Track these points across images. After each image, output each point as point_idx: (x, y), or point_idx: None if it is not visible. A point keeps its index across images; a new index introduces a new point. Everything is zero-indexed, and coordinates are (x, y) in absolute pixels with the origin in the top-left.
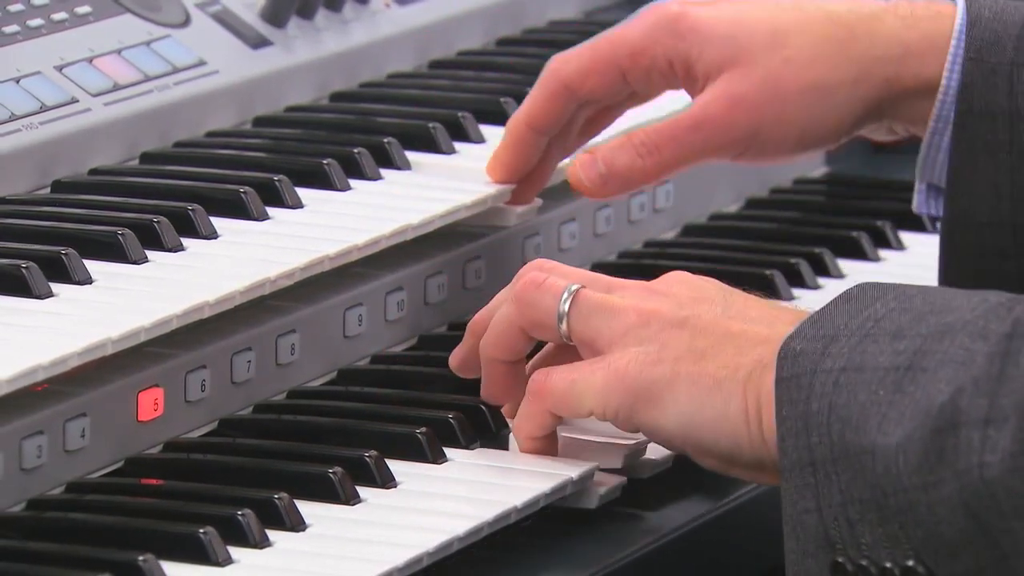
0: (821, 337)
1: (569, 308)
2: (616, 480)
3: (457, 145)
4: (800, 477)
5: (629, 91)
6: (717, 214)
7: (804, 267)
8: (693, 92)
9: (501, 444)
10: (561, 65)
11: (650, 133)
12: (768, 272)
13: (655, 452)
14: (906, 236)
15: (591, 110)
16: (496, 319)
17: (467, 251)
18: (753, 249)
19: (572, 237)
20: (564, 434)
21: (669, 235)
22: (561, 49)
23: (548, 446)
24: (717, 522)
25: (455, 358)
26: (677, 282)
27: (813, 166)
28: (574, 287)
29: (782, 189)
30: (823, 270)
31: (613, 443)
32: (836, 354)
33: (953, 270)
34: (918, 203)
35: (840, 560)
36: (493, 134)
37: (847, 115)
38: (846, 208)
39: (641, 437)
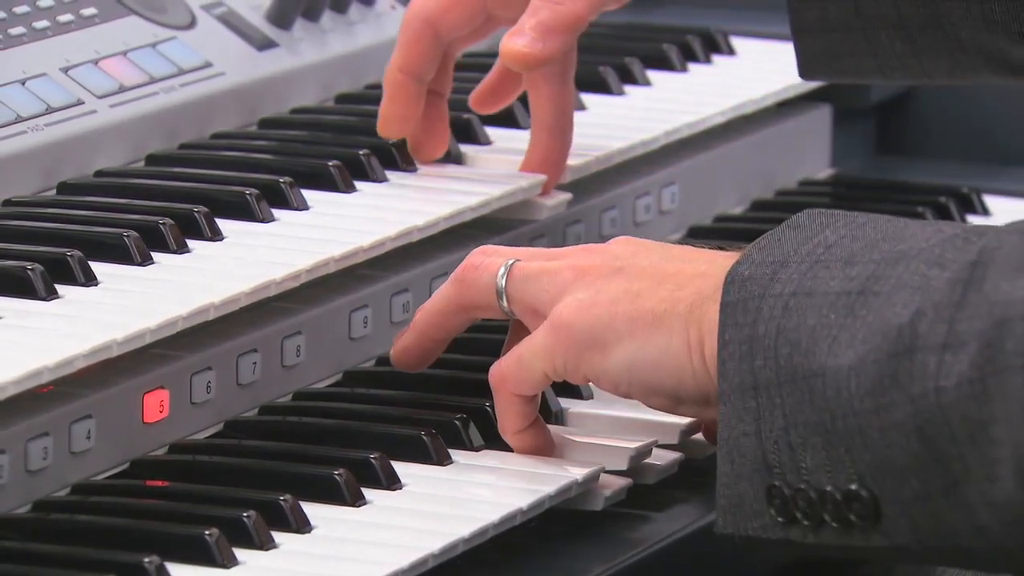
0: (770, 263)
1: (506, 282)
2: (622, 482)
3: (463, 147)
4: (740, 400)
5: (486, 15)
6: (722, 216)
7: None
8: None
9: (506, 446)
10: (421, 5)
11: None
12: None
13: (660, 457)
14: None
15: (458, 46)
16: (435, 301)
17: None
18: None
19: (578, 239)
20: (569, 436)
21: (674, 237)
22: None
23: (537, 438)
24: None
25: (397, 349)
26: (618, 241)
27: (819, 168)
28: (510, 262)
29: (787, 191)
30: None
31: (618, 445)
32: (786, 279)
33: (804, 42)
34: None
35: (777, 484)
36: (499, 136)
37: None
38: (851, 210)
39: (647, 439)
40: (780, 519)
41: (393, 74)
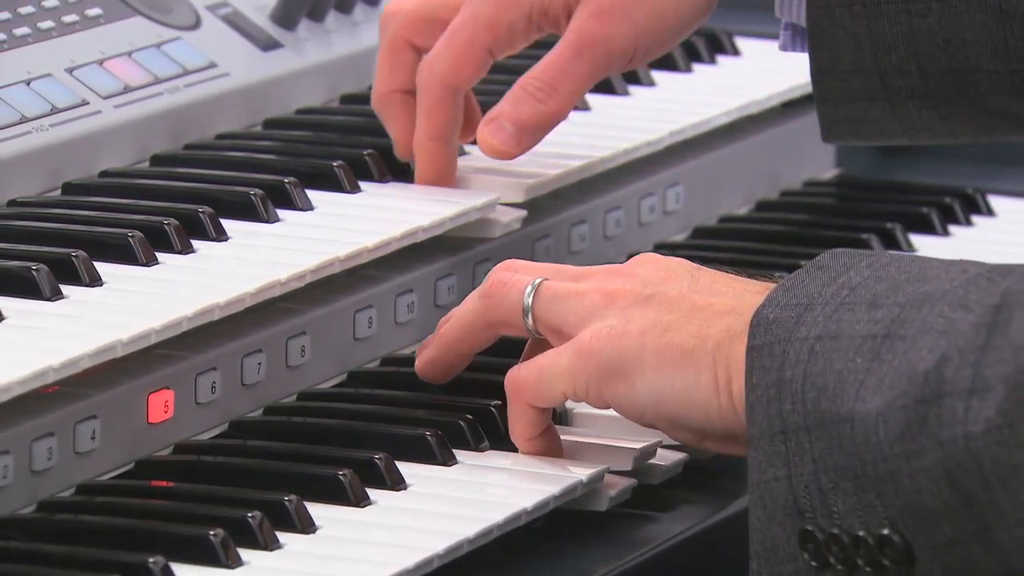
0: (795, 305)
1: (533, 301)
2: (626, 482)
3: (467, 147)
4: (770, 445)
5: (492, 59)
6: (727, 216)
7: None
8: (560, 31)
9: (511, 446)
10: (432, 68)
11: (541, 75)
12: (778, 275)
13: (665, 458)
14: (916, 238)
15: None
16: (461, 313)
17: (477, 253)
18: (763, 251)
19: (582, 239)
20: (574, 437)
21: (679, 237)
22: None
23: (547, 444)
24: (727, 524)
25: (422, 361)
26: (644, 263)
27: (823, 169)
28: (537, 281)
29: (792, 191)
30: None
31: (623, 446)
32: (811, 322)
33: (827, 111)
34: (783, 43)
35: (809, 528)
36: None
37: None
38: (856, 210)
39: (651, 439)
40: (814, 563)
41: (425, 140)
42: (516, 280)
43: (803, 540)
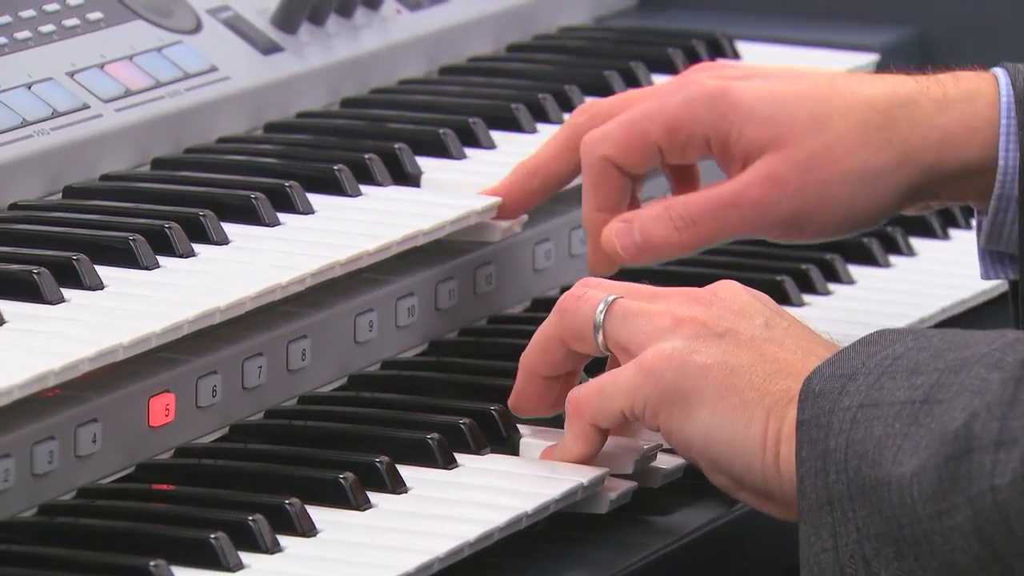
0: (839, 376)
1: (604, 317)
2: (627, 485)
3: (468, 151)
4: (818, 517)
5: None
6: None
7: (815, 272)
8: (728, 168)
9: (512, 449)
10: (598, 145)
11: (688, 206)
12: (779, 278)
13: (665, 462)
14: (916, 242)
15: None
16: (538, 332)
17: (478, 257)
18: (765, 255)
19: (583, 243)
20: None
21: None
22: (570, 54)
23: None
24: (727, 528)
25: (512, 398)
26: (724, 292)
27: None
28: (611, 298)
29: None
30: (834, 276)
31: (624, 449)
32: (854, 392)
33: None
34: (983, 271)
35: None
36: (504, 140)
37: (889, 200)
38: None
39: (651, 442)
40: None
41: (591, 216)
42: (590, 295)
43: None
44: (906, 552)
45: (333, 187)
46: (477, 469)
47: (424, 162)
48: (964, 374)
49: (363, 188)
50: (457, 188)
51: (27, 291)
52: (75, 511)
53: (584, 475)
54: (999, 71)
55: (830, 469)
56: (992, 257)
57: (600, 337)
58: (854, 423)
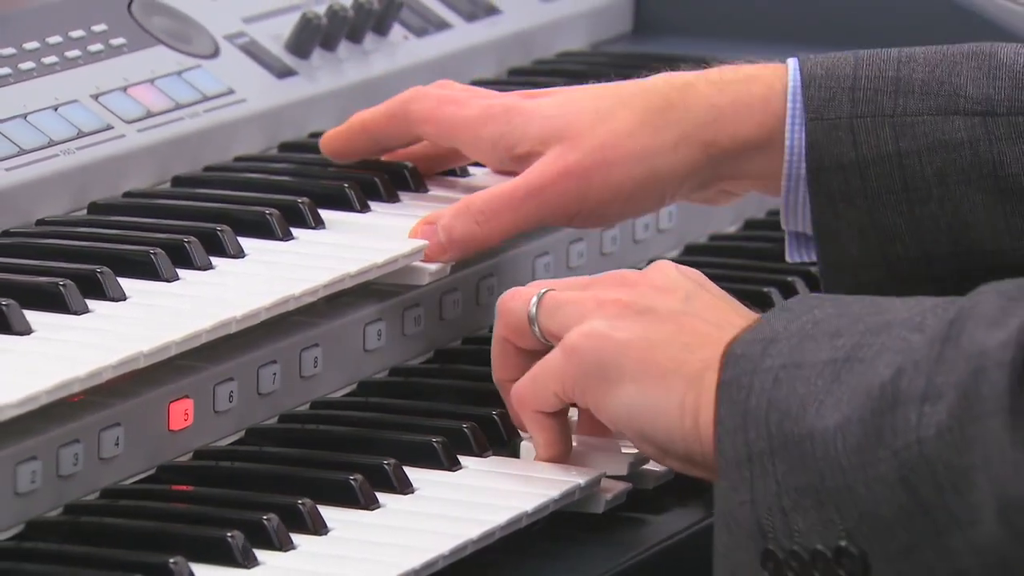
0: (761, 340)
1: (537, 310)
2: (622, 486)
3: (472, 169)
4: (737, 472)
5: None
6: (717, 234)
7: (800, 285)
8: (519, 168)
9: (513, 452)
10: (413, 99)
11: (488, 200)
12: (765, 289)
13: (658, 465)
14: None
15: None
16: (493, 342)
17: (481, 269)
18: (751, 268)
19: (580, 256)
20: (572, 443)
21: (672, 254)
22: (568, 78)
23: (567, 451)
24: None
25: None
26: (652, 272)
27: None
28: (543, 291)
29: (778, 211)
30: (817, 288)
31: (619, 452)
32: (775, 354)
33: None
34: (789, 253)
35: (771, 548)
36: None
37: (669, 178)
38: None
39: None
40: None
41: (356, 122)
42: (523, 292)
43: (764, 560)
44: (826, 503)
45: (343, 203)
46: (480, 471)
47: (431, 180)
48: (885, 335)
49: (372, 204)
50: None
51: (53, 302)
52: (99, 511)
53: (581, 477)
54: (792, 60)
55: (750, 427)
56: (796, 239)
57: (537, 329)
58: (776, 382)
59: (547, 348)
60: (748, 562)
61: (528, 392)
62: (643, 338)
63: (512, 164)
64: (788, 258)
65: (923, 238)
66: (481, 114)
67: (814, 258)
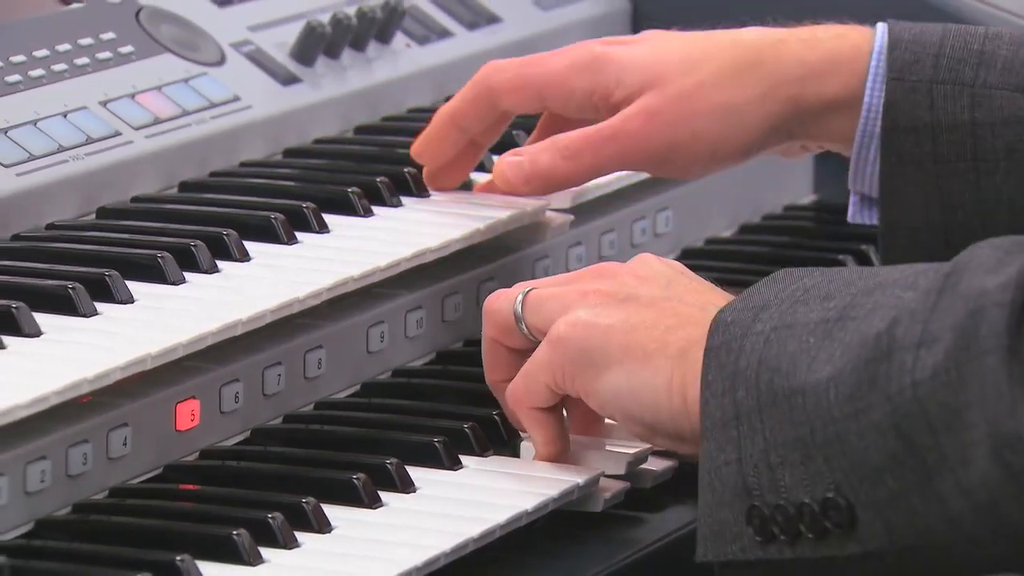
0: (751, 308)
1: (522, 308)
2: (620, 485)
3: (472, 175)
4: (723, 432)
5: (544, 107)
6: (713, 239)
7: None
8: (612, 116)
9: (513, 452)
10: (493, 72)
11: (573, 138)
12: None
13: (656, 464)
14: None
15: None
16: (483, 345)
17: (482, 272)
18: (746, 271)
19: (579, 260)
20: (571, 443)
21: (669, 257)
22: None
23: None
24: None
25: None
26: (634, 263)
27: (802, 194)
28: (527, 289)
29: (773, 216)
30: None
31: (617, 451)
32: (766, 319)
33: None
34: (852, 213)
35: (756, 504)
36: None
37: (754, 131)
38: (833, 233)
39: (643, 445)
40: (758, 538)
41: (443, 116)
42: (508, 293)
43: (749, 517)
44: (815, 455)
45: (347, 208)
46: (480, 470)
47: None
48: (879, 294)
49: (375, 209)
50: (464, 207)
51: (63, 305)
52: (107, 509)
53: (580, 476)
54: (881, 24)
55: (739, 387)
56: (861, 201)
57: (523, 327)
58: (767, 343)
59: (535, 345)
60: (732, 520)
61: (521, 389)
62: (626, 322)
63: (608, 113)
64: (850, 219)
65: (984, 209)
66: (569, 65)
67: (875, 221)
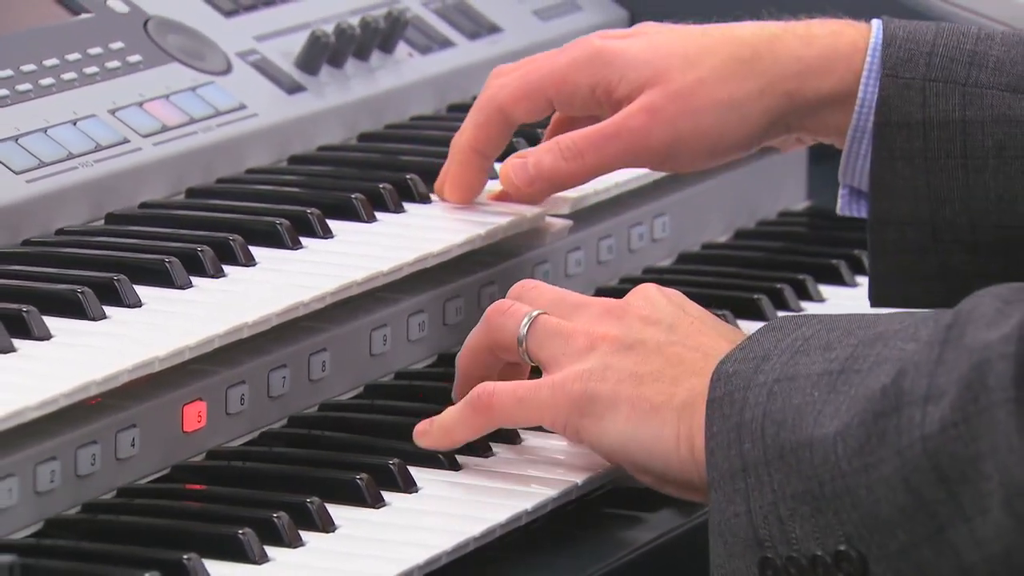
0: (752, 358)
1: (527, 333)
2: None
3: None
4: (730, 484)
5: (551, 108)
6: (709, 244)
7: (788, 292)
8: (615, 112)
9: (513, 452)
10: (497, 91)
11: (575, 138)
12: (755, 296)
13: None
14: None
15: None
16: (469, 339)
17: (482, 277)
18: (742, 276)
19: (578, 264)
20: (569, 443)
21: (666, 262)
22: None
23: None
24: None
25: (454, 394)
26: (636, 299)
27: (796, 200)
28: (535, 313)
29: (768, 221)
30: (806, 295)
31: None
32: (768, 370)
33: (879, 264)
34: (841, 206)
35: (769, 556)
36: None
37: (754, 126)
38: (826, 238)
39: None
40: None
41: (463, 149)
42: (515, 309)
43: (763, 568)
44: (824, 508)
45: (351, 214)
46: (481, 471)
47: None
48: (880, 346)
49: (378, 215)
50: (465, 213)
51: (72, 309)
52: (115, 509)
53: (579, 476)
54: (876, 20)
55: (744, 439)
56: (851, 194)
57: (524, 352)
58: (771, 395)
59: (527, 363)
60: (745, 571)
61: (508, 411)
62: (633, 374)
63: (610, 108)
64: (839, 211)
65: (972, 205)
66: (570, 63)
67: (864, 214)
